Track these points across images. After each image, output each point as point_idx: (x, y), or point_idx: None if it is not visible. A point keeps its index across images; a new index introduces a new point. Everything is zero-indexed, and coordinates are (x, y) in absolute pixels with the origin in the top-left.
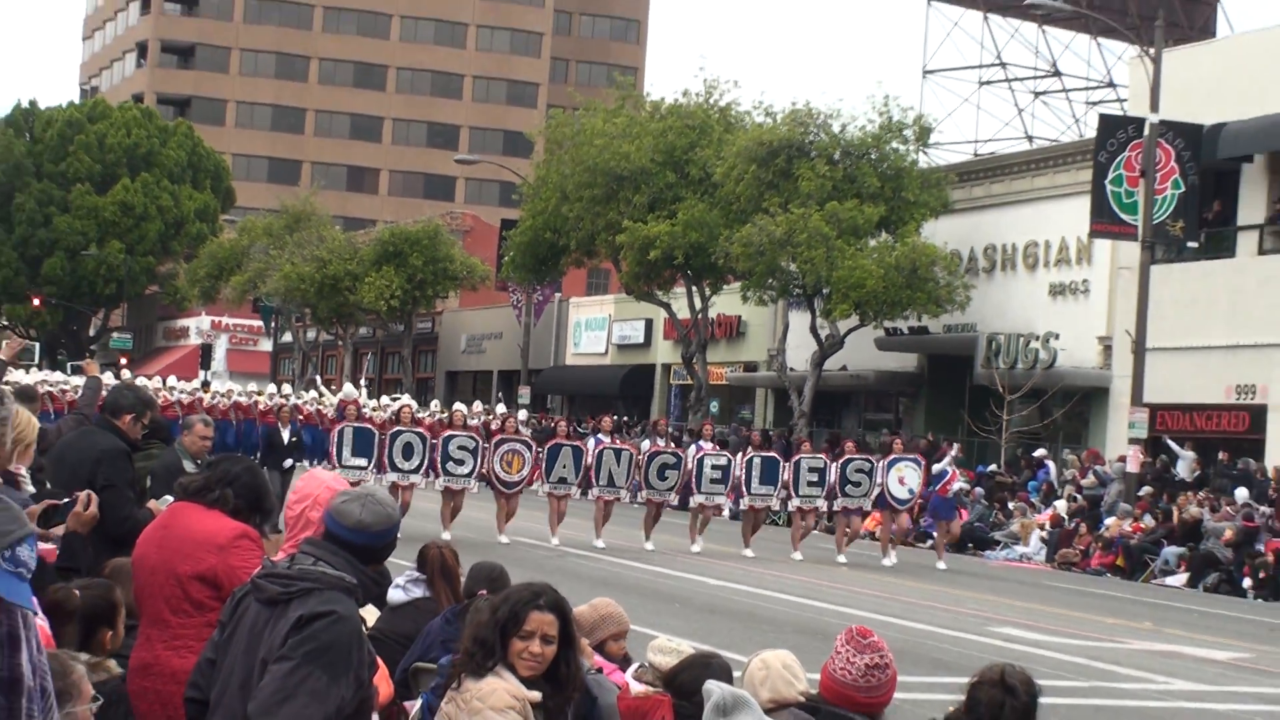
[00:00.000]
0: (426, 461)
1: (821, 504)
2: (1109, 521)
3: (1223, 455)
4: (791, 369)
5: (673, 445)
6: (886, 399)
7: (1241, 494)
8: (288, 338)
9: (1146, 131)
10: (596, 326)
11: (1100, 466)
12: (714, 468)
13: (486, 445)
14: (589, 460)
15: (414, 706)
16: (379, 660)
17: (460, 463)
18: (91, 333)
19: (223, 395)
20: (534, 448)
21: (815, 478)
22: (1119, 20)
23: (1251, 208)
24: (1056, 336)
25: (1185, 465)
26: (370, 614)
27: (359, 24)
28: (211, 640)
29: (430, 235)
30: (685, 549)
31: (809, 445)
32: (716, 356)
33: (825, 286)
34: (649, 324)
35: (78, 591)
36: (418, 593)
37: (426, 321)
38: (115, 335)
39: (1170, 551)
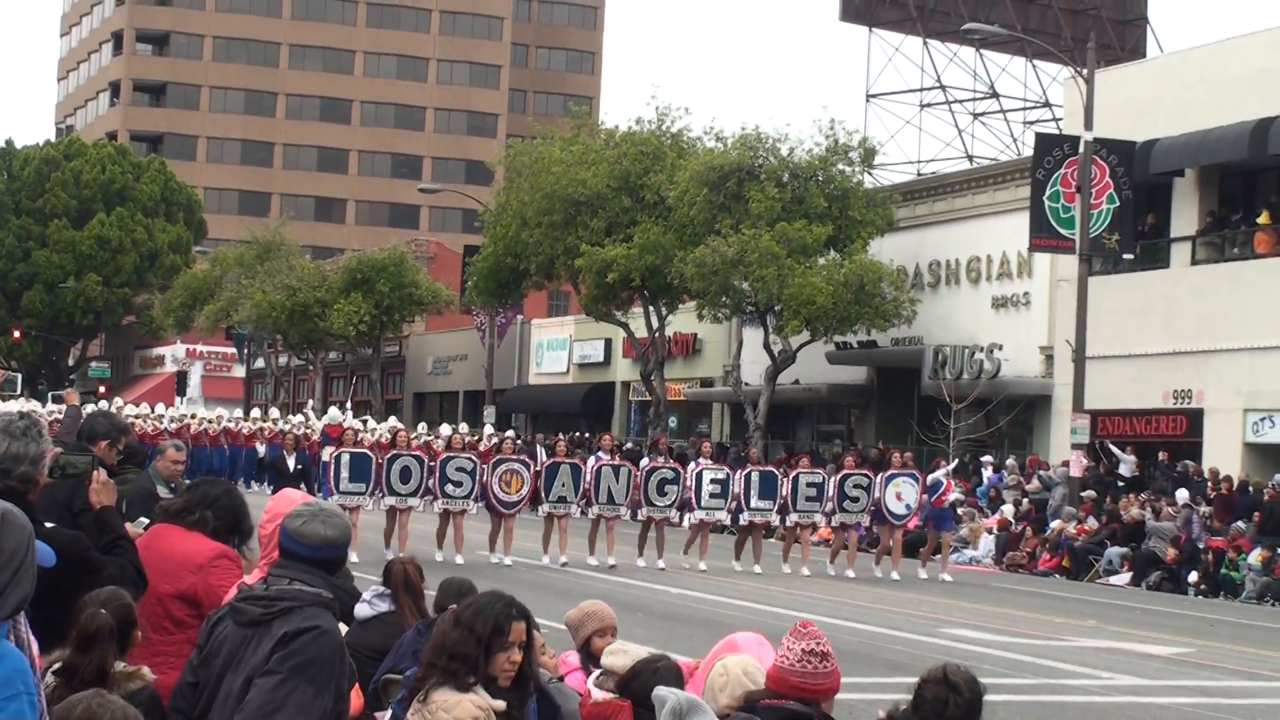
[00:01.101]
0: (424, 484)
1: (820, 519)
2: (1054, 524)
3: (1163, 455)
4: (746, 384)
5: (671, 461)
6: (838, 411)
7: (1182, 495)
8: (260, 364)
9: (1081, 149)
10: (558, 347)
11: (1045, 471)
12: (713, 482)
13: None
14: (588, 478)
15: (384, 717)
16: None
17: (458, 484)
18: (71, 362)
19: (210, 421)
20: (532, 467)
21: (814, 493)
22: (1053, 43)
23: (1184, 220)
24: (1000, 347)
25: (1126, 468)
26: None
27: (324, 60)
28: (189, 663)
29: (396, 262)
30: (679, 565)
31: (756, 453)
32: (674, 373)
33: (777, 304)
34: (608, 343)
35: (103, 610)
36: (383, 607)
37: (394, 345)
38: (94, 364)
39: (1114, 552)
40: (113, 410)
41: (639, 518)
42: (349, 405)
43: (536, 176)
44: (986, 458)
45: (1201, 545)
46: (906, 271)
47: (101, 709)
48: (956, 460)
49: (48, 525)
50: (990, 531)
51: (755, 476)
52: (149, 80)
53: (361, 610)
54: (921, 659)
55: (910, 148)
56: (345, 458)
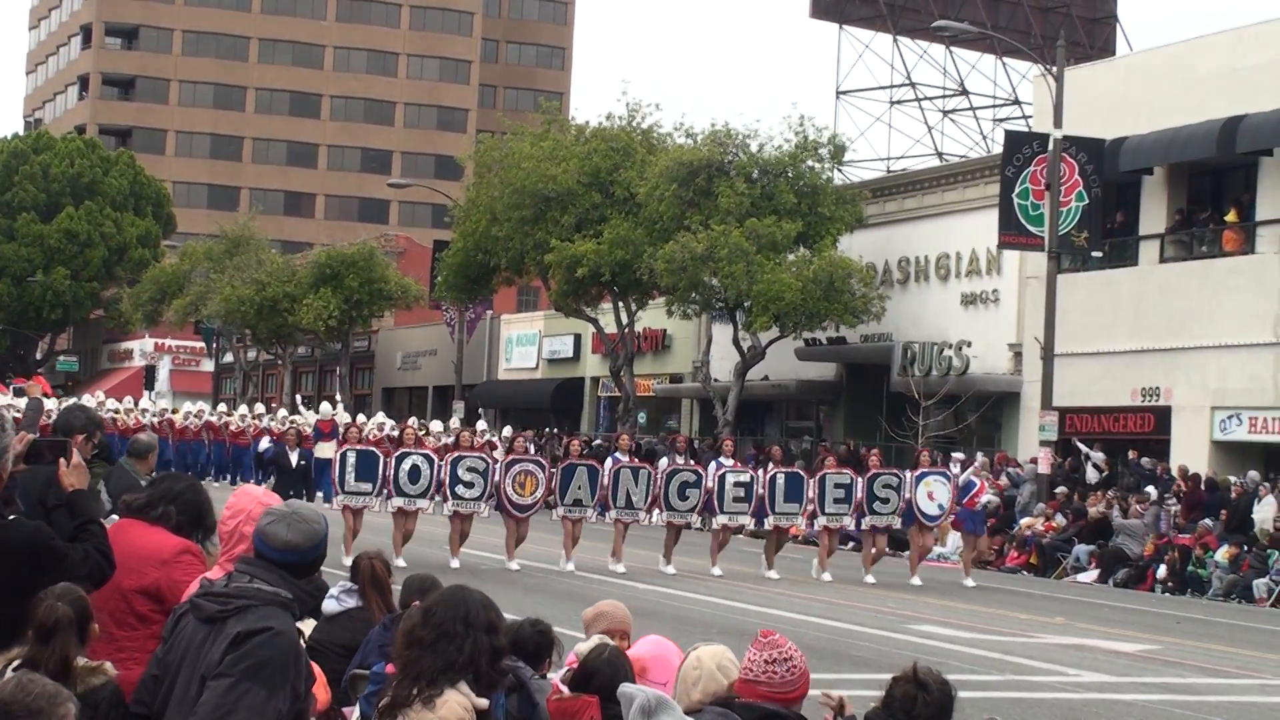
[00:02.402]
0: (434, 485)
1: (849, 521)
2: (1022, 521)
3: (1132, 453)
4: (715, 380)
5: (692, 462)
6: (807, 407)
7: (1149, 493)
8: (229, 358)
9: (1051, 146)
10: (527, 342)
11: (1013, 468)
12: (737, 484)
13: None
14: (605, 481)
15: (353, 713)
16: (318, 668)
17: (470, 485)
18: (39, 356)
19: (194, 415)
20: (547, 468)
21: (841, 494)
22: (1023, 40)
23: (1152, 218)
24: (969, 344)
25: (1096, 466)
26: (306, 625)
27: (294, 55)
28: (155, 656)
29: (365, 257)
30: (705, 570)
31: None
32: (643, 369)
33: (746, 300)
34: (578, 339)
35: (61, 604)
36: (351, 603)
37: (363, 340)
38: (62, 358)
39: (1081, 549)
40: (92, 404)
41: (656, 521)
42: (338, 399)
43: (506, 172)
44: (956, 454)
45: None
46: (876, 268)
47: (31, 684)
48: (983, 457)
49: (10, 518)
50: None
51: (780, 479)
52: (118, 74)
53: (329, 606)
54: (889, 656)
55: (880, 144)
56: (351, 456)
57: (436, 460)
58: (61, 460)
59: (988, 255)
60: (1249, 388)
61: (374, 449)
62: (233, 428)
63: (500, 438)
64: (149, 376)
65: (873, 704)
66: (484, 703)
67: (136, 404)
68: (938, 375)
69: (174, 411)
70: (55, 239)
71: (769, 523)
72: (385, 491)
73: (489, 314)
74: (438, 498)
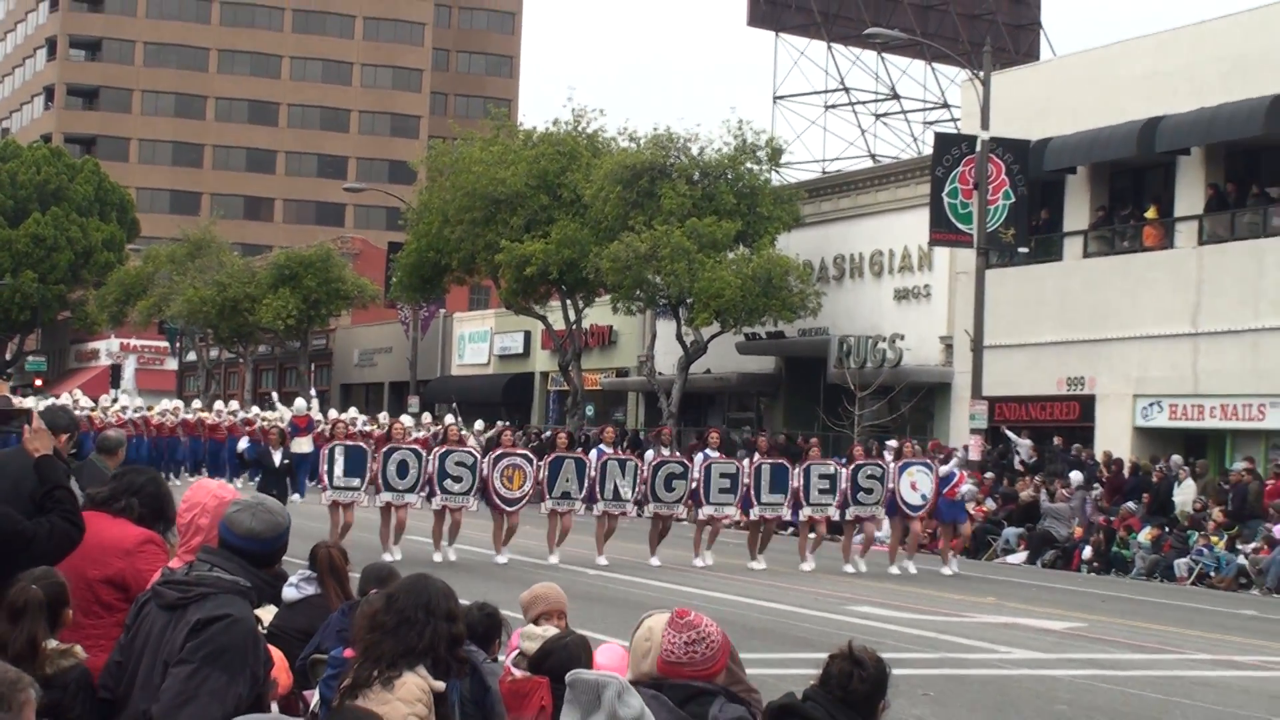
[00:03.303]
0: (422, 479)
1: (834, 512)
2: None
3: (1057, 440)
4: (660, 373)
5: (678, 454)
6: (748, 399)
7: (1075, 477)
8: (192, 357)
9: (978, 148)
10: (479, 339)
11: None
12: (722, 476)
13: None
14: (592, 473)
15: (313, 696)
16: (279, 653)
17: (458, 479)
18: (9, 357)
19: (170, 412)
20: (535, 461)
21: (826, 485)
22: (951, 47)
23: (1076, 215)
24: (902, 337)
25: (1024, 452)
26: (267, 612)
27: (252, 65)
28: (119, 643)
29: (323, 258)
30: (689, 562)
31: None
32: (590, 364)
33: (688, 297)
34: (527, 335)
35: (35, 586)
36: (310, 590)
37: (321, 338)
38: (30, 358)
39: (1010, 532)
40: (68, 403)
41: (644, 514)
42: (313, 394)
43: (457, 176)
44: (890, 442)
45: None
46: (812, 265)
47: None
48: (964, 452)
49: None
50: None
51: (766, 469)
52: (82, 84)
53: (288, 593)
54: (829, 635)
55: (815, 147)
56: (340, 450)
57: (424, 455)
58: (26, 427)
59: (919, 252)
60: (1169, 376)
61: (362, 444)
62: (209, 424)
63: (473, 432)
64: (115, 375)
65: (811, 682)
66: (440, 685)
67: (114, 402)
68: (872, 367)
69: (150, 409)
70: (23, 244)
71: (754, 513)
72: (373, 487)
73: (442, 312)
74: (425, 492)
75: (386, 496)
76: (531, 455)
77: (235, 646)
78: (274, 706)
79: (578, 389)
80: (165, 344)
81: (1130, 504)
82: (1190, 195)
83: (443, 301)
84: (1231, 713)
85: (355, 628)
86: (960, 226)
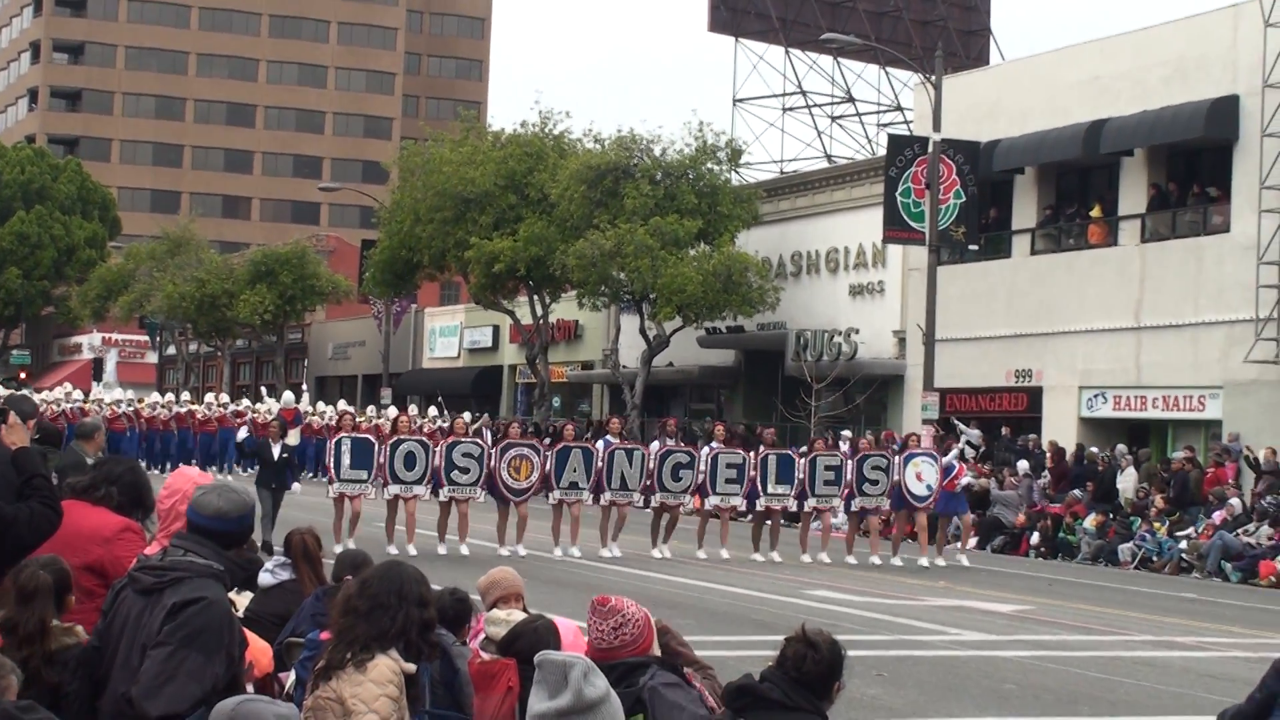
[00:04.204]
0: (429, 471)
1: (839, 503)
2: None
3: (1006, 430)
4: (624, 366)
5: (683, 445)
6: (709, 391)
7: (1023, 466)
8: (171, 350)
9: (930, 149)
10: (449, 333)
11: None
12: (729, 466)
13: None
14: (600, 463)
15: (289, 678)
16: (259, 638)
17: (465, 471)
18: None
19: (162, 406)
20: (542, 451)
21: (832, 476)
22: (904, 51)
23: (1024, 214)
24: (857, 331)
25: (973, 441)
26: (243, 598)
27: (230, 68)
28: (96, 628)
29: (298, 256)
30: (692, 554)
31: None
32: (557, 357)
33: (651, 292)
34: (496, 330)
35: (43, 572)
36: (285, 576)
37: (297, 333)
38: (15, 352)
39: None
40: (60, 395)
41: (652, 504)
42: (304, 388)
43: (428, 176)
44: (845, 433)
45: (1041, 512)
46: (771, 262)
47: None
48: (966, 443)
49: None
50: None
51: (772, 460)
52: (65, 87)
53: (264, 579)
54: (786, 618)
55: (774, 148)
56: (347, 443)
57: (432, 446)
58: (1, 426)
59: (873, 249)
60: (1113, 369)
61: (369, 436)
62: (199, 417)
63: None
64: (97, 368)
65: (769, 663)
66: (411, 668)
67: (104, 396)
68: (828, 360)
69: (140, 401)
70: (8, 241)
71: (760, 504)
72: (380, 479)
73: (413, 307)
74: (432, 483)
75: (394, 489)
76: (539, 445)
77: (211, 628)
78: (250, 688)
79: (544, 381)
80: (146, 338)
81: (1076, 491)
82: (1133, 195)
83: (414, 297)
84: (1172, 691)
85: (332, 611)
86: (913, 225)
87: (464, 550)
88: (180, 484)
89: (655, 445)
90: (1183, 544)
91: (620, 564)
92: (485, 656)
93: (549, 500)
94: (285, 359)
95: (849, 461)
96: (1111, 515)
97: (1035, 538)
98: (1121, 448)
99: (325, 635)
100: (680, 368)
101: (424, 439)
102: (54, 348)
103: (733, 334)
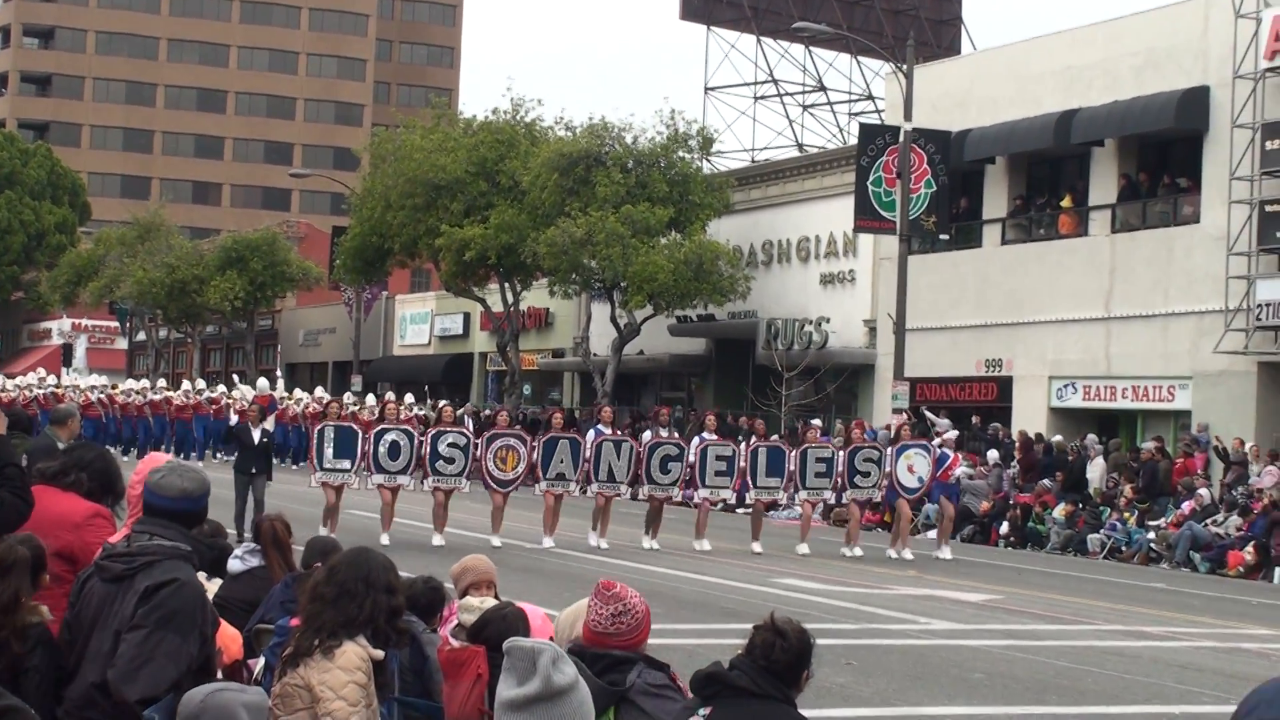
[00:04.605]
0: (414, 461)
1: (829, 495)
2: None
3: (975, 419)
4: (595, 354)
5: (675, 435)
6: (679, 379)
7: (992, 455)
8: (141, 336)
9: (902, 138)
10: (420, 320)
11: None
12: (719, 459)
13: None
14: (587, 454)
15: (257, 664)
16: (229, 624)
17: (450, 461)
18: None
19: (136, 393)
20: (529, 442)
21: (823, 468)
22: (876, 41)
23: (994, 203)
24: (827, 320)
25: (942, 431)
26: (212, 585)
27: (200, 54)
28: (64, 619)
29: (269, 242)
30: (688, 546)
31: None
32: (528, 345)
33: (622, 280)
34: (467, 317)
35: (21, 547)
36: (254, 562)
37: (267, 319)
38: None
39: (931, 508)
40: (37, 382)
41: (639, 497)
42: (279, 375)
43: (400, 162)
44: (814, 421)
45: (1010, 501)
46: (742, 250)
47: None
48: (955, 431)
49: None
50: None
51: (762, 452)
52: (35, 71)
53: (233, 565)
54: (755, 606)
55: (745, 137)
56: (330, 431)
57: (416, 436)
58: None
59: (844, 238)
60: (1083, 359)
61: (353, 425)
62: (175, 404)
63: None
64: (66, 354)
65: (738, 651)
66: (379, 654)
67: (81, 381)
68: (799, 349)
69: (113, 388)
70: None
71: (750, 498)
72: (364, 468)
73: (384, 294)
74: (418, 474)
75: (378, 478)
76: (525, 436)
77: (185, 609)
78: (219, 674)
79: (515, 369)
80: (116, 324)
81: (1045, 481)
82: (1104, 185)
83: (385, 284)
84: (1140, 681)
85: (301, 598)
86: (884, 214)
87: (436, 540)
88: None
89: (646, 435)
90: (1151, 534)
91: (600, 554)
92: (455, 644)
93: (536, 491)
94: (256, 346)
95: (840, 453)
96: (1081, 505)
97: (1005, 527)
98: (1092, 438)
99: (295, 622)
100: (651, 356)
101: (408, 428)
102: (23, 333)
103: (703, 322)
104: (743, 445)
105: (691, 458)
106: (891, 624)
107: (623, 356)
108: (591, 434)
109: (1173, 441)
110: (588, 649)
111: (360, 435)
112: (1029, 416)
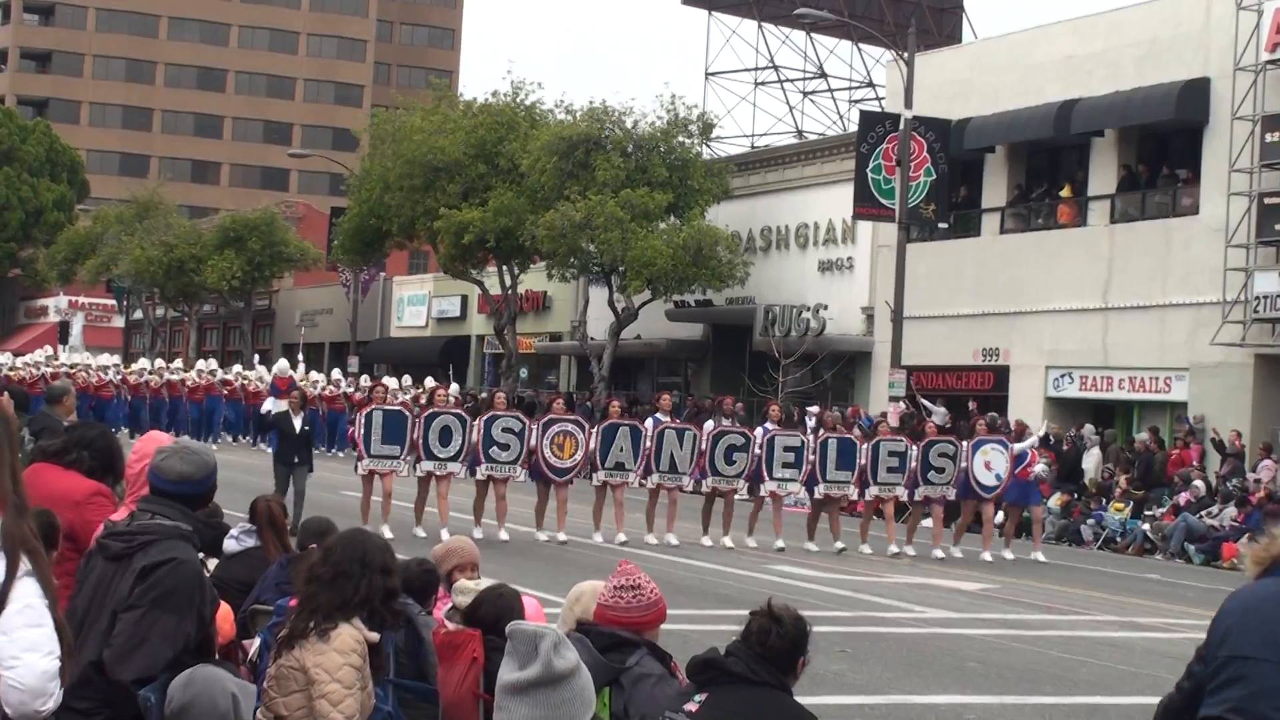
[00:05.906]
0: (466, 447)
1: (902, 492)
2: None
3: (971, 405)
4: (592, 338)
5: (738, 424)
6: (676, 364)
7: None
8: (138, 315)
9: (902, 126)
10: (418, 302)
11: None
12: (786, 449)
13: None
14: (648, 443)
15: (253, 645)
16: (223, 603)
17: (505, 447)
18: None
19: (152, 373)
20: (586, 428)
21: (895, 463)
22: (877, 28)
23: (994, 192)
24: (825, 307)
25: (938, 419)
26: (209, 564)
27: (201, 32)
28: (70, 597)
29: (267, 222)
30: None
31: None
32: (525, 328)
33: (621, 265)
34: (464, 299)
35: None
36: (250, 542)
37: (264, 299)
38: None
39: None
40: (41, 358)
41: (703, 489)
42: (299, 357)
43: (399, 144)
44: (810, 408)
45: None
46: (740, 236)
47: None
48: (1043, 431)
49: None
50: None
51: (832, 444)
52: (35, 48)
53: (229, 546)
54: (751, 593)
55: (745, 123)
56: (378, 417)
57: (469, 421)
58: None
59: (843, 225)
60: (1080, 349)
61: (401, 408)
62: (189, 385)
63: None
64: (63, 332)
65: (733, 637)
66: (375, 636)
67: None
68: (796, 336)
69: (127, 369)
70: None
71: (819, 492)
72: (414, 455)
73: (382, 276)
74: (471, 461)
75: (428, 465)
76: (583, 422)
77: (182, 589)
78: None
79: (512, 352)
80: (113, 302)
81: (1040, 468)
82: (1103, 175)
83: (383, 265)
84: (1134, 672)
85: (297, 579)
86: (883, 201)
87: (503, 535)
88: (148, 448)
89: (709, 425)
90: (1146, 525)
91: (594, 543)
92: (450, 626)
93: (593, 481)
94: (252, 325)
95: (914, 448)
96: (1076, 495)
97: (1000, 516)
98: (1089, 428)
99: (294, 603)
100: (648, 340)
101: (460, 413)
102: (20, 310)
103: (701, 308)
104: (811, 437)
105: (758, 450)
106: (887, 612)
107: (620, 341)
108: (650, 422)
109: (1168, 432)
110: (594, 626)
111: (410, 420)
112: (1025, 406)
